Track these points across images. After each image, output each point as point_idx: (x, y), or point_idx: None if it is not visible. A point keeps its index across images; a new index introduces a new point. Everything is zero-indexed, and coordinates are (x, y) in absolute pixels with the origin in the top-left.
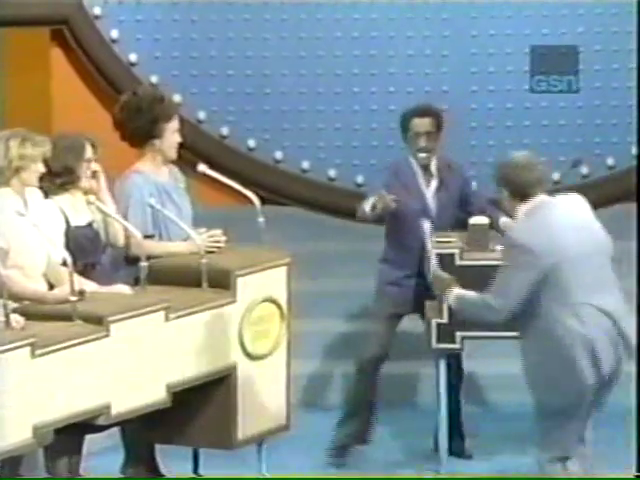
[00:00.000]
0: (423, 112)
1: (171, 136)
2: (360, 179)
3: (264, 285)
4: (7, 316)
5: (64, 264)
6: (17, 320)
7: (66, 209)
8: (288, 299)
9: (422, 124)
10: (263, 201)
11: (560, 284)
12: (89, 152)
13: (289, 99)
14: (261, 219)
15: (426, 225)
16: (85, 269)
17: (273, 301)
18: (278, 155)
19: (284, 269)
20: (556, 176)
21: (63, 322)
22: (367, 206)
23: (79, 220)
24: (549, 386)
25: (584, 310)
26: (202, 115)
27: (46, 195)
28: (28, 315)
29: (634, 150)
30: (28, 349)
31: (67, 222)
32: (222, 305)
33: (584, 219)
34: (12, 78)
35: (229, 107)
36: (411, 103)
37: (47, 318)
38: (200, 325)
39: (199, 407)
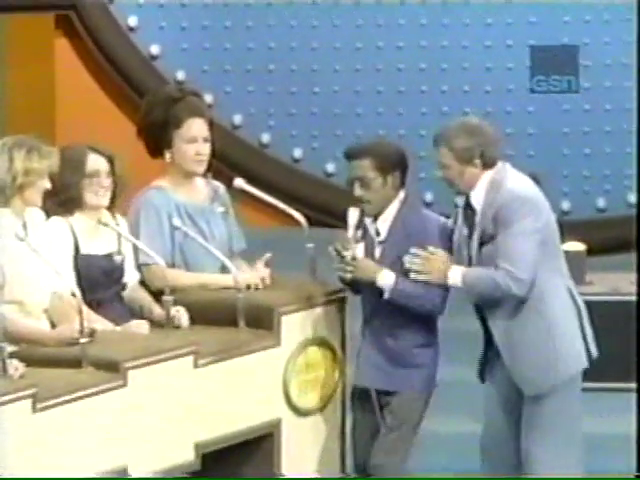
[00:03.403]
0: (350, 154)
1: (184, 145)
2: (429, 196)
3: (314, 325)
4: (3, 362)
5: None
6: (15, 366)
7: (79, 232)
8: (342, 342)
9: (355, 168)
10: (311, 222)
11: (550, 245)
12: (95, 164)
13: (342, 99)
14: (310, 245)
15: (353, 213)
16: (90, 306)
17: (325, 344)
18: (329, 167)
19: (338, 306)
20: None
21: (70, 369)
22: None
23: (94, 248)
24: (544, 366)
25: (568, 281)
26: (238, 119)
27: (48, 215)
28: (29, 360)
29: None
30: (29, 402)
31: (77, 247)
32: (263, 349)
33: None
34: (12, 70)
35: (270, 109)
36: (490, 105)
37: (51, 364)
38: (236, 373)
39: (235, 471)
